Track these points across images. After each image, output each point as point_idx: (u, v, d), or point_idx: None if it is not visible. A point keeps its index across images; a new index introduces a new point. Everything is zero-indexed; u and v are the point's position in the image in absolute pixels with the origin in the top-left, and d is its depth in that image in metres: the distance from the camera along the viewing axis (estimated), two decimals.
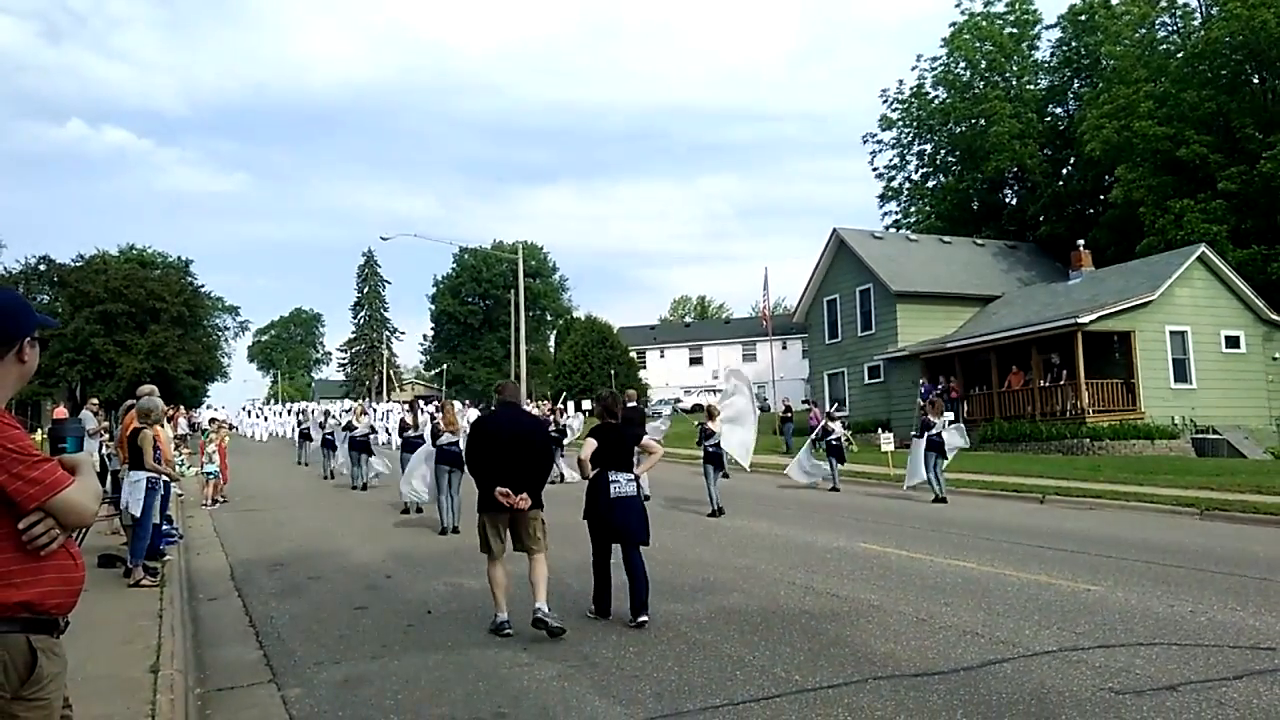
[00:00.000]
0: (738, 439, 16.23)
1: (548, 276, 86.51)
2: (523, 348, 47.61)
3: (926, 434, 16.81)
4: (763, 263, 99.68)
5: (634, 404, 19.68)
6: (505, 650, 6.65)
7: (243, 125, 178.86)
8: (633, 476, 7.73)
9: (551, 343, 79.11)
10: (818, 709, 5.17)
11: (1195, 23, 37.37)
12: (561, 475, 19.61)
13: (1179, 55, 36.65)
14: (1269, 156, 31.16)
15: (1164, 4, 37.56)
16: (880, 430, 23.99)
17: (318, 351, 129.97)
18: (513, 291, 55.35)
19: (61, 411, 23.26)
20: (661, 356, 68.59)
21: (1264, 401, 29.03)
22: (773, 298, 58.05)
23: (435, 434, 14.52)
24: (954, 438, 17.55)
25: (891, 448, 21.40)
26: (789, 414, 31.18)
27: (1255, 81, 35.23)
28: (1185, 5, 37.72)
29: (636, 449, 8.08)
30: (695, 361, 67.89)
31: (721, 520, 14.19)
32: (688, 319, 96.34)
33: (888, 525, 13.29)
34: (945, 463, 16.93)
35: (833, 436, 19.31)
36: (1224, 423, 26.96)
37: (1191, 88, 34.35)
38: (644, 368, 63.99)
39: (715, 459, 15.76)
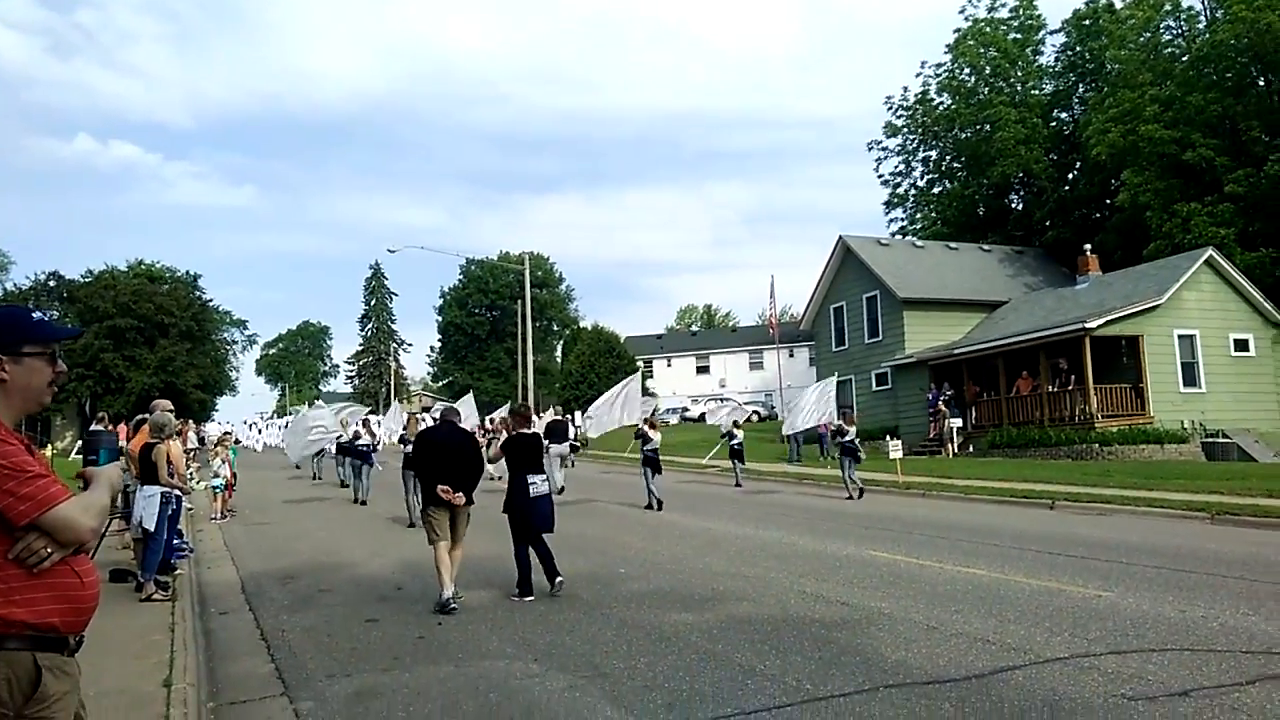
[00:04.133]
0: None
1: (554, 287, 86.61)
2: (530, 358, 47.65)
3: (840, 440, 19.28)
4: (769, 270, 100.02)
5: (559, 418, 24.61)
6: (516, 661, 6.66)
7: (250, 138, 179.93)
8: (545, 476, 9.16)
9: (559, 353, 79.21)
10: (830, 718, 5.17)
11: (1200, 26, 37.36)
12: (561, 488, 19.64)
13: (1184, 59, 36.63)
14: (1276, 159, 31.09)
15: (1168, 7, 37.55)
16: (889, 437, 23.95)
17: (325, 364, 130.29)
18: (519, 302, 55.46)
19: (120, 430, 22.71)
20: (669, 365, 68.57)
21: (1274, 404, 28.90)
22: (779, 305, 58.10)
23: (403, 441, 17.91)
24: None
25: (900, 455, 21.36)
26: None
27: (1261, 84, 35.17)
28: (1190, 9, 37.72)
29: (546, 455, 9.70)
30: (702, 370, 67.87)
31: (729, 529, 14.18)
32: (694, 328, 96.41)
33: (896, 532, 13.27)
34: (856, 466, 19.14)
35: (735, 441, 22.31)
36: (1233, 426, 26.84)
37: (1197, 91, 34.31)
38: (651, 377, 64.00)
39: (653, 461, 17.73)
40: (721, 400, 53.50)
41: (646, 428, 18.82)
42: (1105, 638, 6.76)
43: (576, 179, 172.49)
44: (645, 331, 77.74)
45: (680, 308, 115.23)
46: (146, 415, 10.07)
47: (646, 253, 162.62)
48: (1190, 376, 27.82)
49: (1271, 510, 13.50)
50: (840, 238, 37.51)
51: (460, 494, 8.65)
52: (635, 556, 11.54)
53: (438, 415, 19.31)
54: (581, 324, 77.35)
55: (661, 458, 18.31)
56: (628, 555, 11.64)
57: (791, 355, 60.16)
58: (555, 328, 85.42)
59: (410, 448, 16.97)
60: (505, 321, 78.41)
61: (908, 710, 5.25)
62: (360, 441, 21.40)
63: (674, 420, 50.69)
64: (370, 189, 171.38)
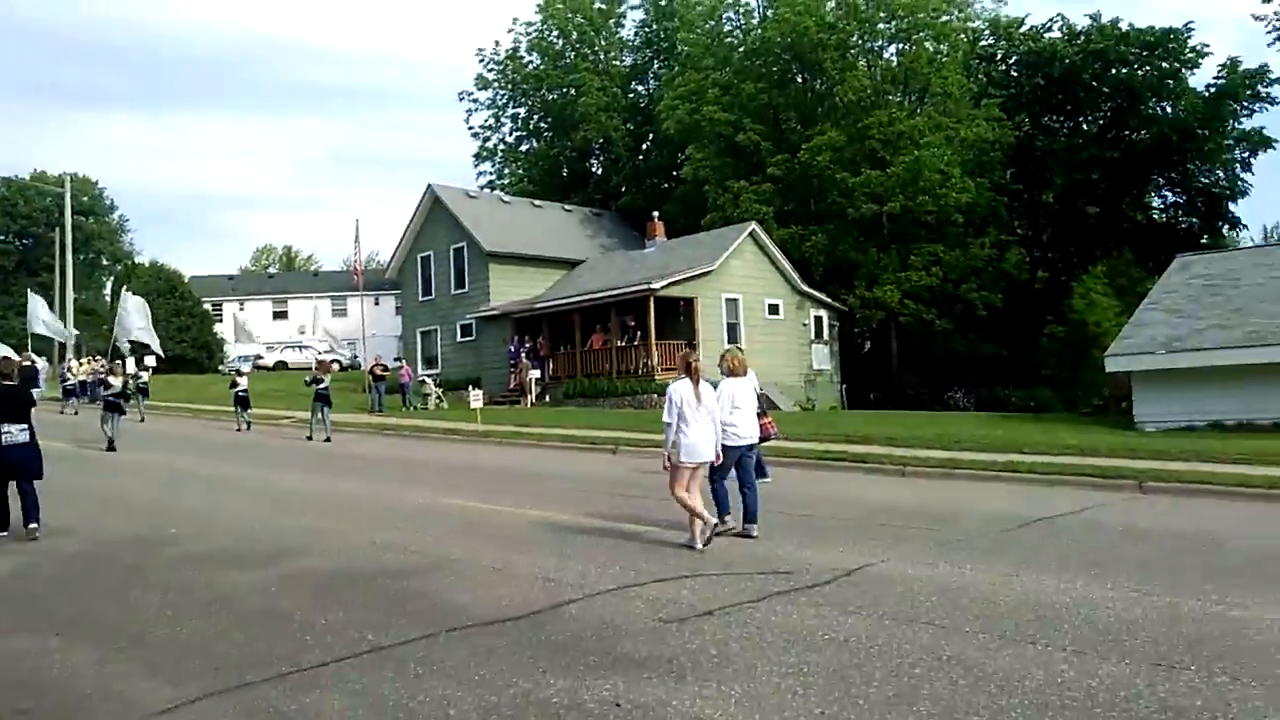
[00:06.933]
0: None
1: (104, 215, 76.30)
2: (69, 296, 41.93)
3: (315, 387, 20.82)
4: (355, 214, 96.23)
5: (28, 364, 25.32)
6: (33, 636, 5.85)
7: None
8: (25, 427, 9.36)
9: (108, 291, 70.16)
10: (390, 666, 5.16)
11: (755, 20, 41.87)
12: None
13: (741, 49, 40.88)
14: (807, 148, 35.93)
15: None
16: (471, 388, 24.41)
17: None
18: (58, 230, 48.22)
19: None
20: (241, 309, 63.58)
21: (796, 361, 33.70)
22: (366, 251, 56.37)
23: None
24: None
25: (480, 404, 21.91)
26: (384, 372, 30.50)
27: (799, 80, 40.31)
28: (746, 3, 42.08)
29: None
30: (280, 315, 63.88)
31: (302, 483, 13.62)
32: (272, 269, 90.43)
33: (472, 480, 13.58)
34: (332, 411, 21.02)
35: (240, 390, 23.40)
36: (765, 379, 30.66)
37: (749, 80, 38.54)
38: (220, 320, 59.12)
39: (115, 408, 18.94)
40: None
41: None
42: (650, 569, 7.46)
43: (134, 96, 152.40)
44: (216, 271, 71.39)
45: (257, 248, 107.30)
46: None
47: (218, 186, 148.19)
48: (733, 335, 31.45)
49: (787, 451, 15.77)
50: (430, 186, 37.20)
51: None
52: (192, 516, 10.64)
53: None
54: (138, 260, 69.08)
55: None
56: (183, 515, 10.70)
57: (378, 303, 58.61)
58: (105, 262, 75.45)
59: None
60: (40, 252, 67.71)
61: (468, 651, 5.39)
62: None
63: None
64: None
